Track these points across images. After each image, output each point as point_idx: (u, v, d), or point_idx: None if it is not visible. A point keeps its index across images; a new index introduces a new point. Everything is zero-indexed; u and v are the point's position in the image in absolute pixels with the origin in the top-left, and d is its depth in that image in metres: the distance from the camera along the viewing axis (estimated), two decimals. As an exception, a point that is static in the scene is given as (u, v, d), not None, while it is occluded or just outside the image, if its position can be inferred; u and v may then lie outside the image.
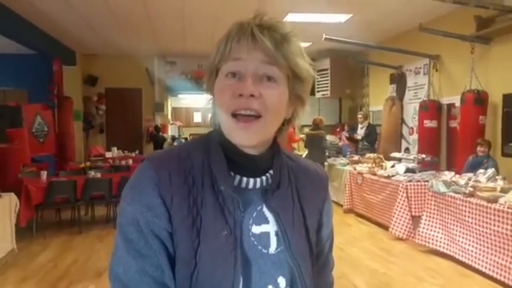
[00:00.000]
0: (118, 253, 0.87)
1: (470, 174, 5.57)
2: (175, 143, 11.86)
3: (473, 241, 4.87)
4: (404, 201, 6.30)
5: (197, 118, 15.28)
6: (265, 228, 0.92)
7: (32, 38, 8.43)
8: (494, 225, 4.53)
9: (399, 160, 7.89)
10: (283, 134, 0.99)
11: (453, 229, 5.23)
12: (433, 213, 5.64)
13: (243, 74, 0.87)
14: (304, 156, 8.66)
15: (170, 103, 13.35)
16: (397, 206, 6.34)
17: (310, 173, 1.06)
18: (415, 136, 8.48)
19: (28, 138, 8.49)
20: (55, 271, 5.05)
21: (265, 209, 0.93)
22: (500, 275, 4.43)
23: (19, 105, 9.01)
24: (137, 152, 10.88)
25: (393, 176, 6.89)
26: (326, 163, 9.26)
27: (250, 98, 0.85)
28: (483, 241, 4.70)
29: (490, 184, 5.06)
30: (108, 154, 10.13)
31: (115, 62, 11.32)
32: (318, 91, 11.18)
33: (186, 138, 13.25)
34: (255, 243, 0.91)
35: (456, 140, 7.06)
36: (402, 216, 6.27)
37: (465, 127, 6.54)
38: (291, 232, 0.93)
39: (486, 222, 4.65)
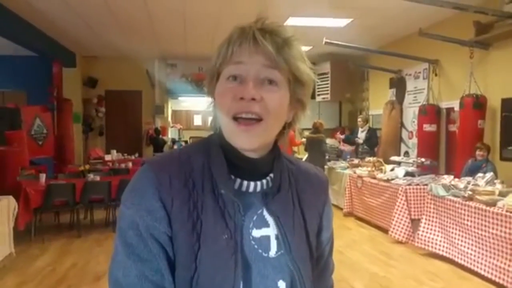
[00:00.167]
0: (117, 257, 0.87)
1: (469, 178, 5.58)
2: (175, 146, 11.88)
3: (472, 244, 4.88)
4: (403, 204, 6.31)
5: (198, 121, 15.28)
6: (266, 231, 0.92)
7: (31, 40, 8.43)
8: (493, 228, 4.54)
9: (399, 163, 7.89)
10: (284, 137, 0.99)
11: (452, 232, 5.24)
12: (433, 217, 5.65)
13: (244, 78, 0.87)
14: (304, 159, 8.68)
15: (171, 106, 13.35)
16: (397, 210, 6.34)
17: (311, 176, 1.06)
18: (414, 140, 8.49)
19: (27, 140, 8.47)
20: (54, 275, 5.02)
21: (265, 213, 0.93)
22: (499, 277, 4.43)
23: (18, 107, 8.99)
24: (136, 155, 10.86)
25: (392, 179, 6.90)
26: (326, 167, 9.26)
27: (251, 101, 0.86)
28: (482, 244, 4.70)
29: (489, 188, 5.07)
30: (108, 157, 10.10)
31: (115, 64, 11.32)
32: (318, 95, 11.19)
33: (186, 141, 13.25)
34: (256, 246, 0.90)
35: (455, 144, 7.06)
36: (401, 220, 6.28)
37: (464, 131, 6.55)
38: (291, 235, 0.93)
39: (485, 226, 4.65)
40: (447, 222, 5.35)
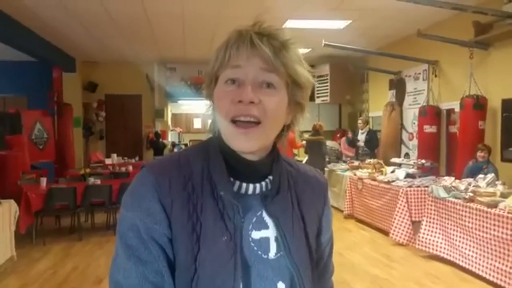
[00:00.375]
0: (118, 259, 0.88)
1: (470, 179, 5.57)
2: (175, 149, 11.88)
3: (473, 246, 4.87)
4: (404, 206, 6.30)
5: (197, 124, 15.30)
6: (265, 233, 0.93)
7: (32, 45, 8.44)
8: (494, 230, 4.53)
9: (399, 165, 7.88)
10: (282, 140, 1.00)
11: (453, 234, 5.23)
12: (433, 219, 5.64)
13: (242, 81, 0.87)
14: (304, 161, 8.68)
15: (170, 109, 13.36)
16: (397, 212, 6.33)
17: (310, 178, 1.06)
18: (415, 141, 8.49)
19: (28, 145, 8.49)
20: (55, 278, 5.03)
21: (264, 215, 0.93)
22: (501, 280, 4.42)
23: (19, 112, 9.02)
24: (137, 158, 10.88)
25: (393, 181, 6.89)
26: (326, 169, 9.26)
27: (249, 104, 0.86)
28: (483, 246, 4.69)
29: (490, 189, 5.06)
30: (108, 161, 10.12)
31: (115, 69, 11.34)
32: (317, 97, 11.20)
33: (186, 144, 13.26)
34: (255, 248, 0.91)
35: (455, 145, 7.06)
36: (402, 222, 6.27)
37: (464, 132, 6.54)
38: (290, 237, 0.93)
39: (486, 227, 4.65)
40: (448, 224, 5.35)
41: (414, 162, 7.62)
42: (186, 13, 7.11)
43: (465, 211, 5.00)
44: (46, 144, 9.39)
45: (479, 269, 4.74)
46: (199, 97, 11.31)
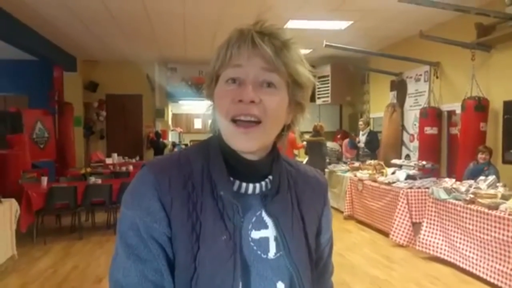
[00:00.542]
0: (117, 258, 0.88)
1: (470, 181, 5.56)
2: (175, 149, 11.86)
3: (473, 248, 4.86)
4: (404, 207, 6.30)
5: (198, 124, 15.29)
6: (264, 233, 0.93)
7: (33, 44, 8.45)
8: (495, 232, 4.53)
9: (400, 166, 7.88)
10: (282, 140, 1.00)
11: (453, 235, 5.22)
12: (434, 220, 5.63)
13: (243, 80, 0.87)
14: (304, 162, 8.67)
15: (171, 109, 13.36)
16: (398, 213, 6.33)
17: (310, 178, 1.06)
18: (415, 143, 8.48)
19: (29, 144, 8.51)
20: (55, 277, 5.03)
21: (264, 214, 0.93)
22: (501, 281, 4.41)
23: (20, 111, 9.02)
24: (137, 158, 10.89)
25: (393, 182, 6.89)
26: (326, 170, 9.26)
27: (250, 104, 0.86)
28: (484, 247, 4.69)
29: (491, 191, 5.06)
30: (109, 160, 10.13)
31: (116, 68, 11.34)
32: (318, 98, 11.19)
33: (186, 144, 13.25)
34: (254, 248, 0.91)
35: (456, 147, 7.05)
36: (402, 223, 6.27)
37: (466, 134, 6.53)
38: (290, 237, 0.93)
39: (487, 229, 4.64)
40: (448, 225, 5.34)
41: (414, 164, 7.61)
42: (187, 12, 7.11)
43: (466, 213, 4.99)
44: (47, 143, 9.40)
45: (479, 270, 4.74)
46: (200, 97, 11.25)
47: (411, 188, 6.45)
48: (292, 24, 7.46)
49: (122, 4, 6.68)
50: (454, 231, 5.22)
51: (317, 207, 1.05)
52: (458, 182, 5.77)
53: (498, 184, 5.29)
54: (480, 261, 4.73)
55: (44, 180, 6.86)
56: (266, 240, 0.92)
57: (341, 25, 7.79)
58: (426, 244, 5.66)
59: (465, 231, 5.01)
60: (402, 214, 6.29)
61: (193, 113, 15.03)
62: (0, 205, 5.20)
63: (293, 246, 0.93)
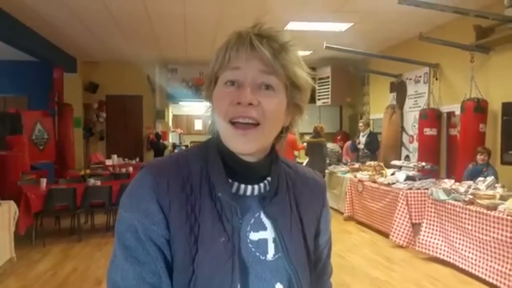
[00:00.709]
0: (116, 260, 0.88)
1: (469, 182, 5.57)
2: (175, 151, 11.86)
3: (473, 249, 4.87)
4: (404, 208, 6.30)
5: (198, 125, 15.29)
6: (263, 234, 0.93)
7: (33, 45, 8.45)
8: (494, 232, 4.53)
9: (399, 168, 7.89)
10: (281, 142, 1.00)
11: (453, 236, 5.23)
12: (433, 221, 5.64)
13: (241, 83, 0.88)
14: (305, 163, 8.68)
15: (171, 111, 13.36)
16: (398, 214, 6.33)
17: (308, 180, 1.06)
18: (415, 144, 8.48)
19: (28, 145, 8.49)
20: (55, 280, 5.02)
21: (262, 216, 0.94)
22: (500, 282, 4.42)
23: (19, 112, 9.01)
24: (137, 159, 10.88)
25: (393, 183, 6.89)
26: (326, 171, 9.26)
27: (248, 106, 0.86)
28: (483, 248, 4.69)
29: (490, 192, 5.06)
30: (108, 162, 10.12)
31: (116, 69, 11.34)
32: (318, 99, 11.21)
33: (187, 146, 13.26)
34: (253, 249, 0.91)
35: (456, 148, 7.06)
36: (402, 224, 6.27)
37: (465, 135, 6.54)
38: (288, 238, 0.93)
39: (486, 230, 4.65)
40: (448, 226, 5.35)
41: (414, 165, 7.62)
42: (188, 13, 7.11)
43: (465, 214, 5.00)
44: (46, 144, 9.39)
45: (478, 271, 4.74)
46: (200, 98, 11.09)
47: (410, 189, 6.45)
48: (292, 25, 7.47)
49: (122, 5, 6.68)
50: (454, 232, 5.22)
51: (316, 209, 1.05)
52: (457, 183, 5.78)
53: (496, 185, 5.31)
54: (479, 261, 4.74)
55: (43, 181, 6.84)
56: (264, 241, 0.92)
57: (341, 27, 7.80)
58: (425, 244, 5.66)
59: (464, 231, 5.01)
60: (401, 215, 6.29)
61: (194, 114, 15.03)
62: (-1, 207, 5.19)
63: (292, 247, 0.93)
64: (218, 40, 8.37)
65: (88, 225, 7.48)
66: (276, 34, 0.90)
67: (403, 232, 6.24)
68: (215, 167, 0.92)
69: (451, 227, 5.28)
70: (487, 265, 4.63)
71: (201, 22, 7.59)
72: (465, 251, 4.98)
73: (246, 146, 0.89)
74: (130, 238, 0.86)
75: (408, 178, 6.95)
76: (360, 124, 9.57)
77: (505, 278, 4.36)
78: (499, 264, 4.47)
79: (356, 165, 8.87)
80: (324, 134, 9.19)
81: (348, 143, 10.37)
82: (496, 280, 4.47)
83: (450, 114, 7.71)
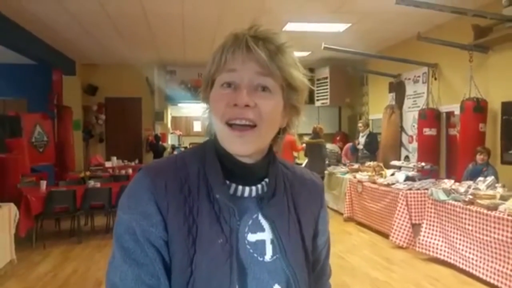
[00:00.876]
0: (114, 262, 0.88)
1: (469, 182, 5.57)
2: (175, 152, 11.87)
3: (473, 249, 4.86)
4: (404, 209, 6.30)
5: (197, 127, 15.28)
6: (261, 236, 0.93)
7: (31, 48, 8.45)
8: (494, 233, 4.53)
9: (399, 168, 7.89)
10: (278, 143, 1.00)
11: (453, 237, 5.23)
12: (433, 221, 5.64)
13: (238, 85, 0.88)
14: (304, 164, 8.68)
15: (170, 112, 13.36)
16: (397, 214, 6.33)
17: (306, 181, 1.06)
18: (414, 144, 8.49)
19: (28, 148, 8.50)
20: (55, 282, 5.03)
21: (260, 217, 0.94)
22: (501, 282, 4.41)
23: (19, 115, 9.01)
24: (137, 161, 10.88)
25: (393, 184, 6.89)
26: (326, 172, 9.26)
27: (245, 108, 0.87)
28: (484, 248, 4.69)
29: (490, 192, 5.06)
30: (108, 164, 10.12)
31: (115, 72, 11.34)
32: (317, 100, 11.22)
33: (186, 147, 13.23)
34: (251, 251, 0.91)
35: (455, 148, 7.06)
36: (402, 224, 6.27)
37: (465, 135, 6.54)
38: (286, 240, 0.93)
39: (486, 230, 4.64)
40: (448, 226, 5.35)
41: (414, 165, 7.63)
42: (186, 15, 7.11)
43: (465, 214, 4.99)
44: (46, 147, 9.38)
45: (479, 271, 4.74)
46: (199, 100, 11.27)
47: (410, 189, 6.45)
48: (291, 26, 7.48)
49: (120, 7, 6.68)
50: (454, 232, 5.22)
51: (314, 210, 1.05)
52: (457, 183, 5.78)
53: (497, 185, 5.30)
54: (480, 262, 4.74)
55: (43, 184, 6.85)
56: (262, 243, 0.92)
57: (340, 27, 7.80)
58: (425, 245, 5.66)
59: (464, 232, 5.01)
60: (401, 216, 6.29)
61: (193, 115, 15.03)
62: (-1, 210, 5.20)
63: (290, 248, 0.93)
64: (216, 41, 8.31)
65: (88, 227, 7.49)
66: (273, 36, 0.90)
67: (403, 233, 6.24)
68: (212, 168, 0.92)
69: (451, 227, 5.28)
70: (487, 265, 4.63)
71: (200, 24, 7.59)
72: (466, 251, 4.98)
73: (243, 147, 0.89)
74: (128, 240, 0.86)
75: (408, 178, 6.95)
76: (360, 124, 9.58)
77: (505, 279, 4.36)
78: (499, 265, 4.46)
79: (356, 166, 8.87)
80: (323, 135, 9.18)
81: (348, 145, 10.38)
82: (497, 280, 4.47)
83: (449, 114, 7.71)
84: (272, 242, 0.93)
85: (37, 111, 9.84)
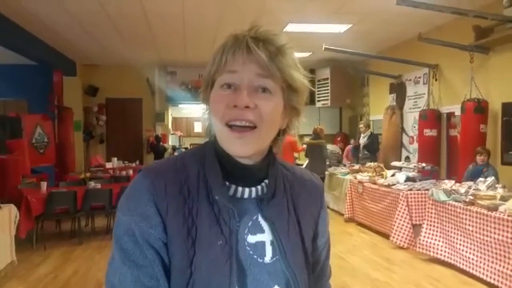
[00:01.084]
0: (113, 263, 0.88)
1: (470, 183, 5.57)
2: (175, 153, 11.85)
3: (474, 249, 4.86)
4: (404, 209, 6.29)
5: (198, 128, 15.25)
6: (261, 237, 0.93)
7: (32, 49, 8.46)
8: (495, 233, 4.53)
9: (400, 169, 7.88)
10: (278, 144, 1.00)
11: (454, 237, 5.22)
12: (434, 222, 5.63)
13: (238, 86, 0.88)
14: (305, 165, 8.68)
15: (171, 113, 13.36)
16: (398, 215, 6.33)
17: (306, 182, 1.06)
18: (415, 145, 8.49)
19: (28, 149, 8.50)
20: (55, 283, 5.03)
21: (260, 219, 0.93)
22: (501, 282, 4.41)
23: (19, 116, 9.02)
24: (137, 162, 10.88)
25: (393, 185, 6.89)
26: (326, 172, 9.26)
27: (245, 109, 0.86)
28: (484, 249, 4.69)
29: (490, 192, 5.06)
30: (109, 165, 10.11)
31: (116, 73, 11.36)
32: (318, 101, 11.22)
33: (186, 148, 13.23)
34: (251, 252, 0.91)
35: (456, 148, 7.06)
36: (402, 225, 6.26)
37: (466, 135, 6.54)
38: (286, 241, 0.93)
39: (487, 230, 4.64)
40: (448, 227, 5.34)
41: (414, 166, 7.62)
42: (187, 16, 7.12)
43: (466, 214, 4.99)
44: (47, 148, 9.39)
45: (479, 272, 4.73)
46: (200, 100, 11.31)
47: (411, 190, 6.45)
48: (291, 27, 7.48)
49: (120, 7, 6.68)
50: (454, 233, 5.22)
51: (313, 211, 1.05)
52: (457, 184, 5.78)
53: (497, 185, 5.30)
54: (480, 262, 4.73)
55: (44, 185, 6.84)
56: (262, 244, 0.92)
57: (340, 28, 7.80)
58: (426, 246, 5.66)
59: (465, 232, 5.01)
60: (402, 216, 6.29)
61: (193, 116, 14.99)
62: (0, 211, 5.19)
63: (289, 250, 0.93)
64: (217, 42, 8.20)
65: (89, 228, 7.49)
66: (273, 37, 0.90)
67: (403, 233, 6.23)
68: (212, 170, 0.92)
69: (451, 228, 5.28)
70: (488, 266, 4.63)
71: (200, 25, 7.60)
72: (466, 252, 4.98)
73: (243, 149, 0.89)
74: (127, 241, 0.86)
75: (408, 179, 6.94)
76: (361, 125, 9.58)
77: (506, 279, 4.36)
78: (500, 265, 4.46)
79: (356, 167, 8.87)
80: (324, 136, 9.19)
81: (349, 147, 10.38)
82: (497, 281, 4.47)
83: (450, 115, 7.70)
84: (272, 243, 0.93)
85: (37, 112, 9.84)
